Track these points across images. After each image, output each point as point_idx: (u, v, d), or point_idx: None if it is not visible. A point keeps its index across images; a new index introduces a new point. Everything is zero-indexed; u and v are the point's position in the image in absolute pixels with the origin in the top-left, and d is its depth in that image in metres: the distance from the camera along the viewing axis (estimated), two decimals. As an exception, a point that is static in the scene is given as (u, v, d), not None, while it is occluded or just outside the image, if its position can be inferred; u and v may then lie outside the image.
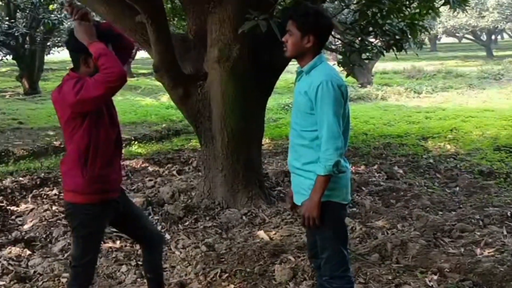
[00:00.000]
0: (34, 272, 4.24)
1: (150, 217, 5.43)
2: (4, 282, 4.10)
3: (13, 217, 5.64)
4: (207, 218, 5.37)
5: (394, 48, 5.58)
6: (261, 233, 4.88)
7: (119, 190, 3.22)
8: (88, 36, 2.84)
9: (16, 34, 16.56)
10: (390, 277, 3.96)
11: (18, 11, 17.13)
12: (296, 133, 2.99)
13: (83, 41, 2.85)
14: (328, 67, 2.88)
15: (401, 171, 7.20)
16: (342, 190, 2.94)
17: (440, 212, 5.50)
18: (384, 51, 5.70)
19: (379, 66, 24.51)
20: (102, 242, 4.59)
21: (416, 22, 5.49)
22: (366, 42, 5.66)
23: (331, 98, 2.74)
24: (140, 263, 4.37)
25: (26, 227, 5.29)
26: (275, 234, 4.88)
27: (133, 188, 6.52)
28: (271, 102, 12.16)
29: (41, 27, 17.83)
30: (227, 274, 4.12)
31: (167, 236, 4.98)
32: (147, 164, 7.82)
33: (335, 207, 2.92)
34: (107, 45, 2.86)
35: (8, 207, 5.87)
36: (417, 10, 5.92)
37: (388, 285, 3.87)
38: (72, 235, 3.14)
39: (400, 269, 4.10)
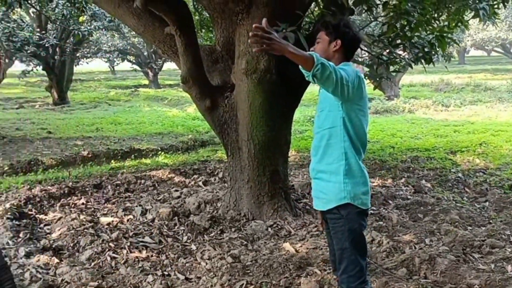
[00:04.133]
0: (62, 280, 4.27)
1: (176, 227, 5.45)
2: (32, 290, 4.14)
3: (41, 225, 5.71)
4: (233, 229, 5.37)
5: (423, 61, 5.53)
6: (286, 245, 4.85)
7: None
8: None
9: (46, 45, 16.91)
10: (418, 293, 3.91)
11: (49, 22, 17.49)
12: (317, 135, 3.05)
13: None
14: (355, 70, 2.90)
15: (429, 185, 7.11)
16: (360, 194, 2.93)
17: (470, 227, 5.40)
18: (412, 64, 5.66)
19: (406, 79, 24.36)
20: (128, 252, 4.65)
21: (445, 34, 5.44)
22: (394, 55, 5.63)
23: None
24: (166, 273, 4.38)
25: (54, 235, 5.34)
26: (301, 246, 4.85)
27: (159, 198, 6.55)
28: (297, 114, 12.13)
29: (71, 38, 18.21)
30: (252, 286, 4.09)
31: (193, 246, 4.99)
32: (173, 175, 7.85)
33: (353, 214, 2.91)
34: None
35: (36, 216, 5.94)
36: (446, 23, 5.88)
37: (416, 301, 3.81)
38: None
39: (428, 284, 4.03)
